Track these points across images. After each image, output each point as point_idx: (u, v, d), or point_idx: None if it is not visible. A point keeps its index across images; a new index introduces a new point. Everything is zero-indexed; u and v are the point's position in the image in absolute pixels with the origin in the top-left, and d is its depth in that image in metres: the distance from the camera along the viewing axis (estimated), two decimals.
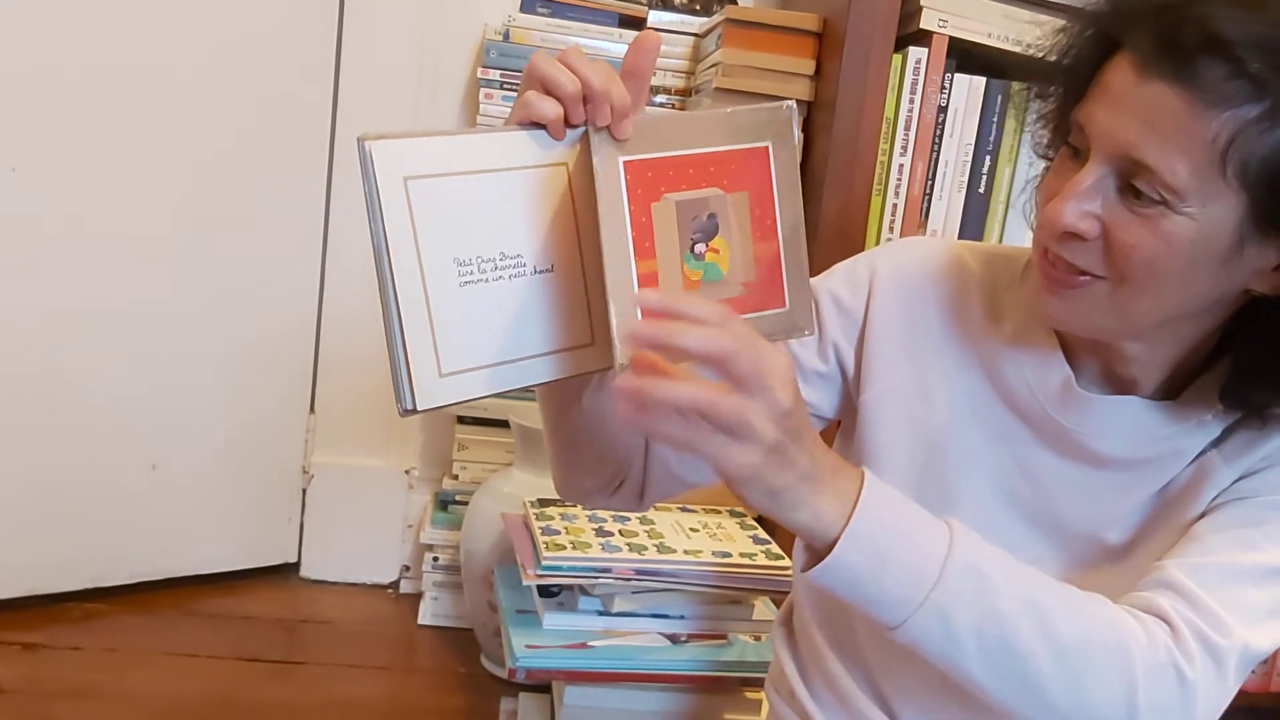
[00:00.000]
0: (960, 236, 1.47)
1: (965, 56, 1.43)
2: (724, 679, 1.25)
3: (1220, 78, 0.61)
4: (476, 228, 0.66)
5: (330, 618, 1.84)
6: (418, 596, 1.88)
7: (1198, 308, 0.70)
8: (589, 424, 0.79)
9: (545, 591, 1.30)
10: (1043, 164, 0.80)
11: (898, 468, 0.83)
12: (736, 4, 1.71)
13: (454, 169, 0.65)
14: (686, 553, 1.28)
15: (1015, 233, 1.48)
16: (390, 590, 1.98)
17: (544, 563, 1.22)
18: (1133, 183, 0.65)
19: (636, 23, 1.75)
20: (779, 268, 0.75)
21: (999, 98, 1.44)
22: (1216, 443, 0.76)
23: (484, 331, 0.66)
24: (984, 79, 1.43)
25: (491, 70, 1.71)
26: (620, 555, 1.25)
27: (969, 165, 1.45)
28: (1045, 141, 0.78)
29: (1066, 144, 0.71)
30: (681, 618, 1.30)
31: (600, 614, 1.28)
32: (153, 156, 1.69)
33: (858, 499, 0.66)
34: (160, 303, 1.74)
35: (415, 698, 1.62)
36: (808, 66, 1.53)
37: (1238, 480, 0.75)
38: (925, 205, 1.46)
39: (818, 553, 0.67)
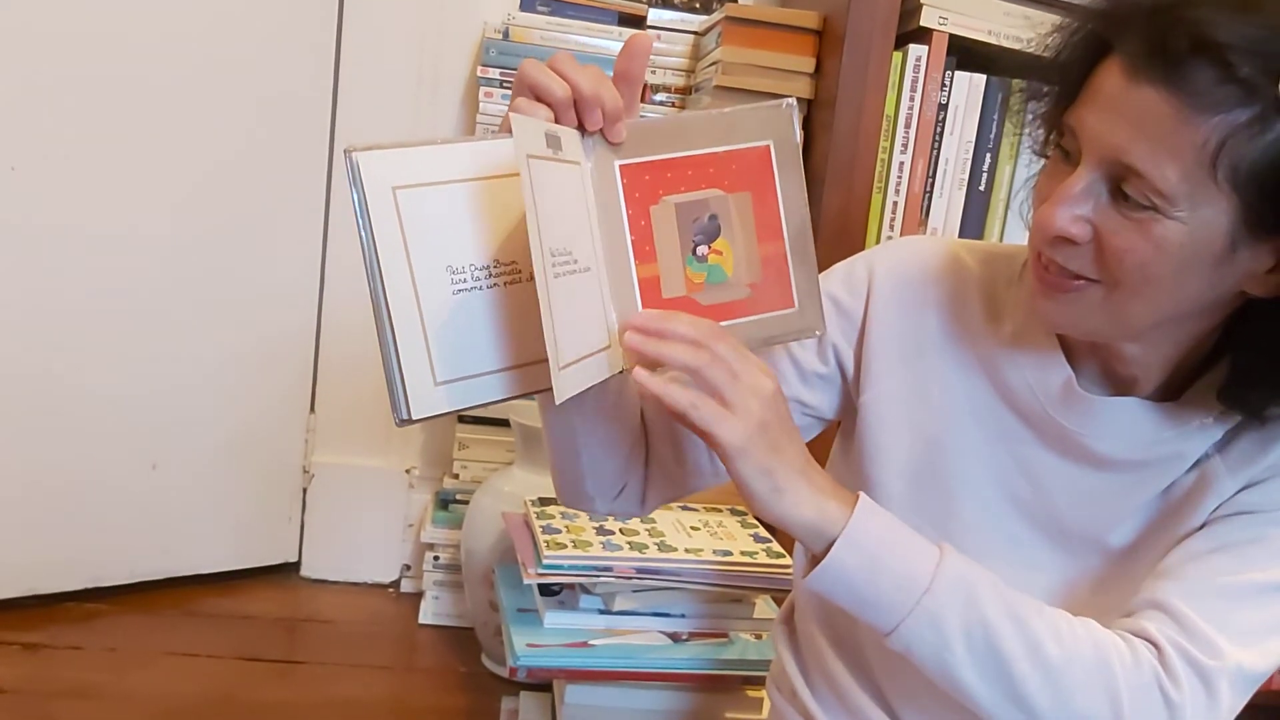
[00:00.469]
0: (961, 234, 1.47)
1: (965, 54, 1.43)
2: (725, 677, 1.25)
3: (1210, 82, 0.61)
4: (468, 236, 0.65)
5: (331, 617, 1.84)
6: (418, 596, 1.88)
7: (1193, 310, 0.70)
8: (591, 431, 0.79)
9: (546, 590, 1.30)
10: (1042, 163, 0.80)
11: (898, 468, 0.83)
12: (736, 2, 1.71)
13: (444, 178, 0.64)
14: (687, 551, 1.28)
15: (1016, 231, 1.47)
16: (391, 589, 1.97)
17: (545, 561, 1.22)
18: (1123, 187, 0.65)
19: (636, 21, 1.74)
20: (786, 268, 0.75)
21: (999, 95, 1.44)
22: (1220, 448, 0.76)
23: (479, 339, 0.65)
24: (984, 76, 1.43)
25: (491, 69, 1.71)
26: (621, 554, 1.25)
27: (969, 163, 1.45)
28: (1042, 141, 0.78)
29: (1059, 147, 0.71)
30: (683, 616, 1.30)
31: (601, 613, 1.28)
32: (152, 155, 1.69)
33: (854, 508, 0.70)
34: (160, 303, 1.74)
35: (416, 697, 1.62)
36: (808, 64, 1.53)
37: (1240, 491, 0.75)
38: (926, 203, 1.46)
39: (816, 558, 0.71)
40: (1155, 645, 0.70)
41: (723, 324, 0.73)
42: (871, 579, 0.69)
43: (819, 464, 0.73)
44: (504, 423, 1.80)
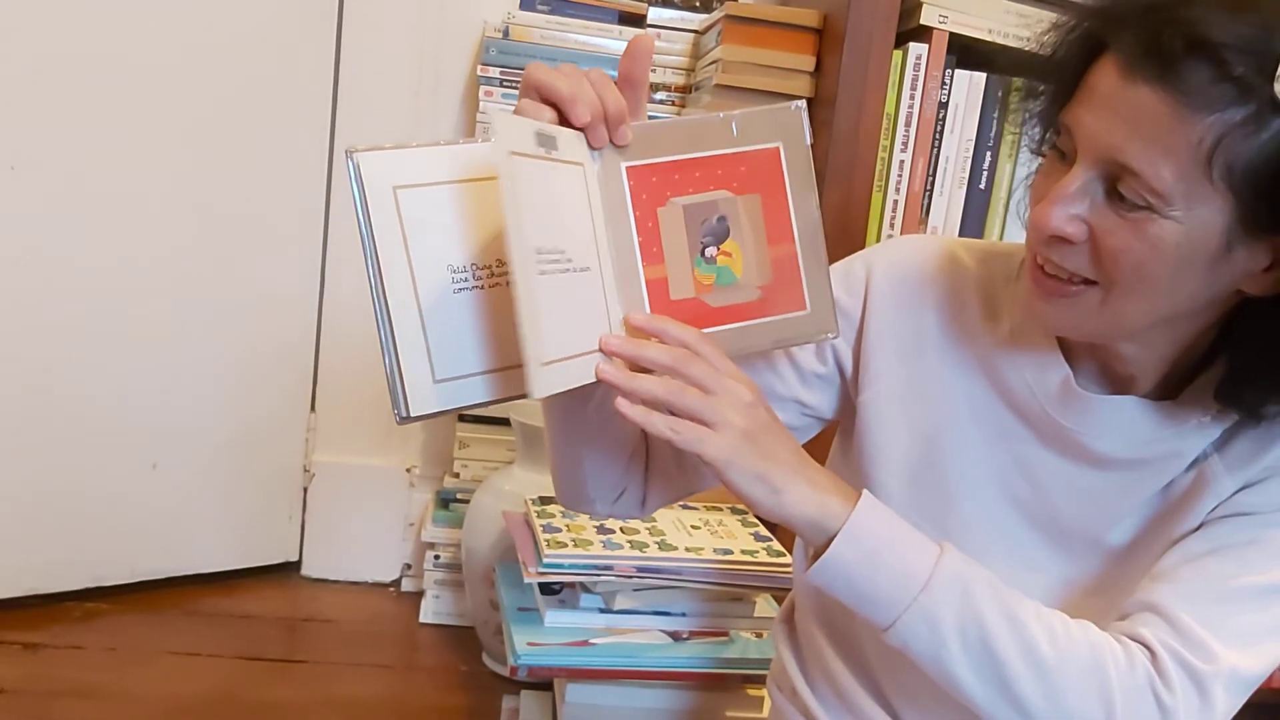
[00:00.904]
0: (961, 233, 1.47)
1: (965, 52, 1.43)
2: (726, 676, 1.25)
3: (1205, 81, 0.60)
4: (468, 236, 0.65)
5: (332, 616, 1.84)
6: (419, 595, 1.88)
7: (1189, 309, 0.70)
8: (593, 434, 0.79)
9: (547, 589, 1.30)
10: (1039, 162, 0.79)
11: (896, 467, 0.83)
12: (736, 0, 1.70)
13: (444, 178, 0.65)
14: (688, 550, 1.28)
15: (1016, 229, 1.47)
16: (392, 588, 1.98)
17: (545, 560, 1.22)
18: (1119, 186, 0.65)
19: (636, 19, 1.74)
20: (797, 270, 0.74)
21: (999, 93, 1.44)
22: (1218, 447, 0.75)
23: (479, 338, 0.65)
24: (984, 75, 1.43)
25: (491, 68, 1.71)
26: (622, 553, 1.25)
27: (969, 161, 1.45)
28: (1038, 140, 0.78)
29: (1055, 146, 0.71)
30: (683, 615, 1.30)
31: (602, 611, 1.28)
32: (153, 155, 1.69)
33: (856, 504, 0.71)
34: (161, 302, 1.74)
35: (417, 696, 1.62)
36: (808, 63, 1.52)
37: (1238, 492, 0.75)
38: (926, 202, 1.46)
39: (817, 552, 0.71)
40: (1149, 649, 0.70)
41: (733, 326, 0.73)
42: (870, 574, 0.70)
43: (818, 461, 0.73)
44: (505, 422, 1.80)
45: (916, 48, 1.41)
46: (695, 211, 0.72)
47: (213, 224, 1.76)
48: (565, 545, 1.25)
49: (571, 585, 1.29)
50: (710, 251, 0.72)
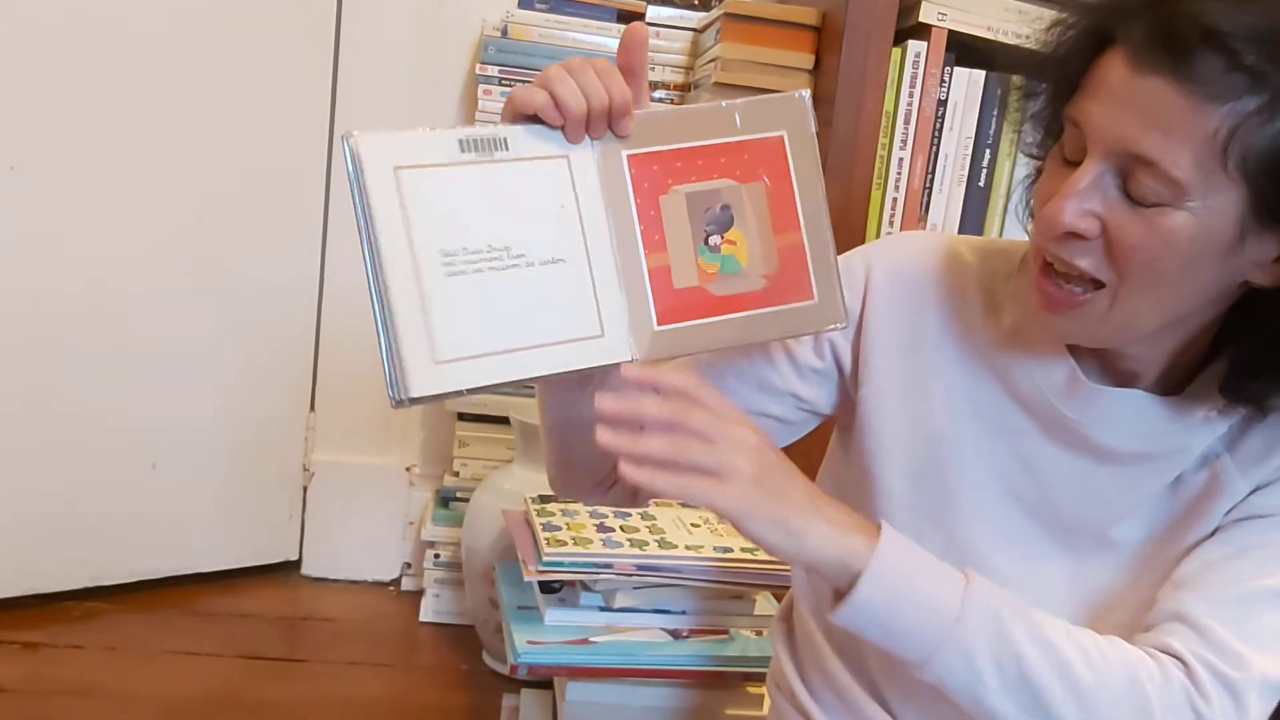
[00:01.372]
0: (960, 230, 1.47)
1: (964, 50, 1.42)
2: (726, 674, 1.25)
3: (1218, 70, 0.61)
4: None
5: (332, 615, 1.84)
6: (419, 593, 1.88)
7: (1198, 303, 0.70)
8: (588, 422, 0.79)
9: (547, 587, 1.30)
10: (1038, 164, 0.79)
11: (897, 463, 0.82)
12: None
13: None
14: (688, 548, 1.28)
15: (1015, 227, 1.47)
16: (392, 587, 1.98)
17: (545, 559, 1.22)
18: (1132, 180, 0.65)
19: (635, 18, 1.74)
20: (804, 259, 0.74)
21: (998, 91, 1.43)
22: (1229, 446, 0.75)
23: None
24: (983, 72, 1.43)
25: (490, 66, 1.71)
26: (621, 551, 1.25)
27: (969, 159, 1.45)
28: (1037, 141, 0.78)
29: (1058, 145, 0.70)
30: (683, 613, 1.30)
31: (602, 610, 1.28)
32: (150, 155, 1.69)
33: (878, 542, 0.69)
34: (160, 301, 1.74)
35: (417, 695, 1.62)
36: (806, 61, 1.52)
37: (1252, 493, 0.75)
38: (925, 199, 1.46)
39: (840, 593, 0.70)
40: (1182, 661, 0.69)
41: (738, 315, 0.72)
42: (900, 613, 0.69)
43: (819, 459, 0.73)
44: (504, 420, 1.80)
45: (915, 45, 1.41)
46: (698, 199, 0.71)
47: (212, 225, 1.76)
48: (565, 544, 1.25)
49: (571, 583, 1.29)
50: (714, 240, 0.72)
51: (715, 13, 1.59)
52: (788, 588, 0.96)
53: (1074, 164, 0.68)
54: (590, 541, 1.27)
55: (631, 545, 1.27)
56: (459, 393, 0.65)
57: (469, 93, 1.87)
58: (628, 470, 0.64)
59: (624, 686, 1.26)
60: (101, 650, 1.63)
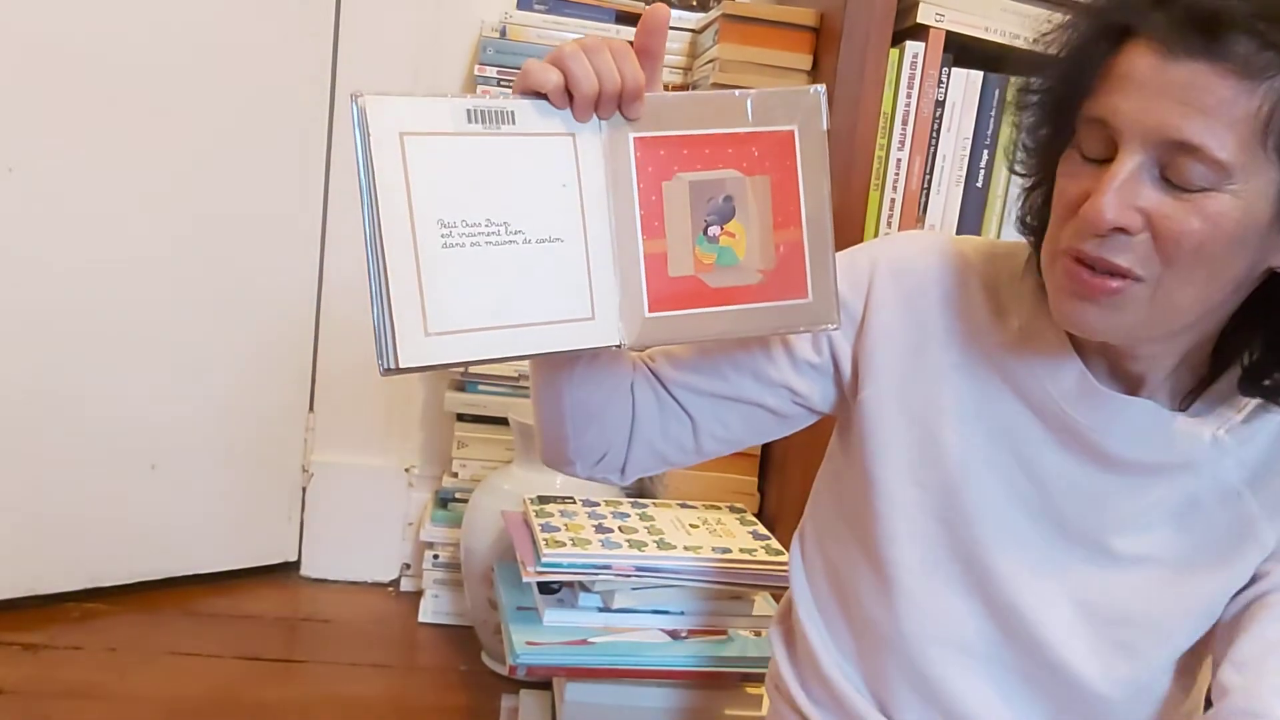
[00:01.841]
0: (958, 231, 1.47)
1: (962, 51, 1.42)
2: (724, 674, 1.25)
3: (1253, 50, 0.61)
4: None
5: (331, 616, 1.84)
6: (418, 594, 1.89)
7: (1228, 293, 0.69)
8: (578, 396, 0.79)
9: (545, 588, 1.30)
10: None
11: (900, 465, 0.82)
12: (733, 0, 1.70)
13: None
14: (686, 549, 1.28)
15: (1014, 228, 1.47)
16: (391, 588, 1.98)
17: (544, 559, 1.22)
18: (1173, 167, 0.64)
19: (634, 18, 1.74)
20: (802, 257, 0.73)
21: (996, 92, 1.44)
22: (1251, 486, 0.75)
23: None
24: (981, 73, 1.43)
25: (488, 67, 1.71)
26: (620, 552, 1.25)
27: (966, 160, 1.45)
28: (1040, 148, 0.76)
29: (1073, 147, 0.69)
30: (682, 613, 1.30)
31: (600, 610, 1.28)
32: (150, 155, 1.69)
33: None
34: (158, 302, 1.74)
35: (416, 695, 1.62)
36: (805, 61, 1.53)
37: None
38: (923, 200, 1.46)
39: None
40: None
41: (731, 308, 0.72)
42: None
43: (819, 459, 0.72)
44: (503, 421, 1.80)
45: (913, 46, 1.41)
46: (701, 189, 0.71)
47: (211, 225, 1.76)
48: (564, 545, 1.25)
49: (570, 584, 1.29)
50: (713, 230, 0.71)
51: (713, 14, 1.59)
52: (786, 588, 0.96)
53: (1097, 162, 0.67)
54: (589, 542, 1.27)
55: (630, 546, 1.27)
56: (446, 365, 0.65)
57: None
58: None
59: (623, 687, 1.26)
60: (101, 651, 1.63)
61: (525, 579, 1.24)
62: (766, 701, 0.99)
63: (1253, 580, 0.77)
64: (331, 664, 1.68)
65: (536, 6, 1.75)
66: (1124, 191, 0.65)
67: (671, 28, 1.72)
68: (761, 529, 1.38)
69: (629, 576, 1.24)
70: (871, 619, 0.83)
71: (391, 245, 0.62)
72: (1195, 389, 0.76)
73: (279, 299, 1.86)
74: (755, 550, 1.29)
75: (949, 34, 1.40)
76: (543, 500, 1.40)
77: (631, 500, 1.46)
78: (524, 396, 1.78)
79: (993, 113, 1.44)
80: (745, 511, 1.46)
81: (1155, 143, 0.64)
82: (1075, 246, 0.68)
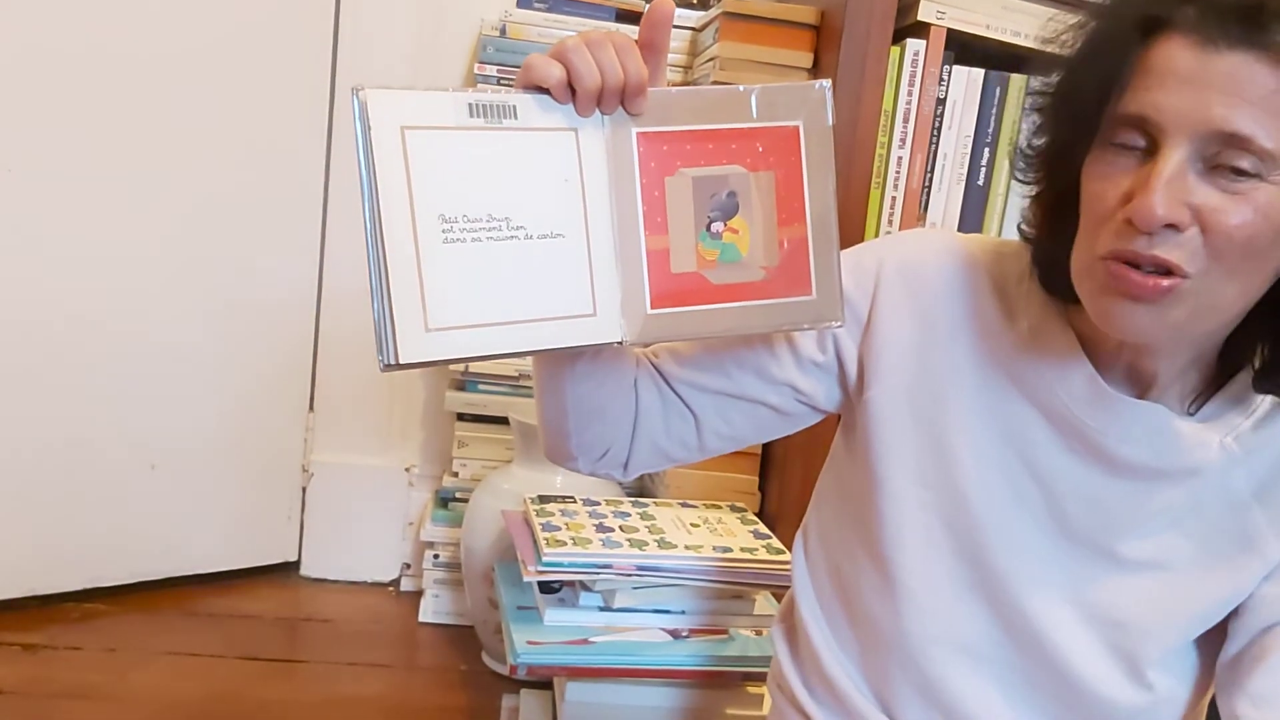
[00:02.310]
0: (960, 229, 1.46)
1: (963, 48, 1.42)
2: (725, 674, 1.25)
3: None
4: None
5: (331, 616, 1.84)
6: (418, 594, 1.88)
7: (1264, 289, 0.68)
8: (580, 392, 0.78)
9: (546, 588, 1.30)
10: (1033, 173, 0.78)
11: (905, 466, 0.81)
12: None
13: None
14: (687, 548, 1.28)
15: (1014, 225, 1.47)
16: (391, 588, 1.97)
17: (545, 559, 1.22)
18: (1219, 160, 0.63)
19: (633, 17, 1.74)
20: (806, 254, 0.72)
21: (998, 90, 1.43)
22: (1259, 499, 0.75)
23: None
24: (982, 71, 1.42)
25: (488, 66, 1.71)
26: (621, 551, 1.25)
27: (968, 157, 1.45)
28: (1059, 151, 0.73)
29: (1109, 146, 0.67)
30: (683, 613, 1.30)
31: (601, 610, 1.28)
32: (148, 156, 1.69)
33: None
34: (157, 302, 1.74)
35: (417, 695, 1.62)
36: (805, 59, 1.52)
37: None
38: (924, 198, 1.45)
39: None
40: None
41: (734, 305, 0.71)
42: None
43: (822, 459, 0.72)
44: (503, 421, 1.80)
45: (914, 44, 1.41)
46: (705, 184, 0.70)
47: (211, 225, 1.76)
48: (564, 544, 1.25)
49: (571, 584, 1.29)
50: (717, 226, 0.70)
51: (714, 12, 1.59)
52: (788, 587, 0.96)
53: (1138, 160, 0.66)
54: (589, 542, 1.27)
55: (631, 545, 1.27)
56: (447, 361, 0.64)
57: None
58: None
59: (624, 686, 1.26)
60: (101, 651, 1.63)
61: (526, 578, 1.24)
62: (768, 701, 0.98)
63: (1259, 602, 0.77)
64: (332, 664, 1.68)
65: (536, 5, 1.74)
66: (1171, 187, 0.63)
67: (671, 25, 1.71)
68: (762, 528, 1.38)
69: (630, 576, 1.24)
70: (874, 618, 0.83)
71: (392, 240, 0.61)
72: (1204, 391, 0.76)
73: (279, 299, 1.86)
74: (756, 549, 1.29)
75: (950, 31, 1.40)
76: (543, 499, 1.40)
77: (632, 499, 1.46)
78: (525, 396, 1.78)
79: (994, 111, 1.44)
80: (746, 511, 1.46)
81: (1202, 136, 0.63)
82: (1121, 248, 0.66)
